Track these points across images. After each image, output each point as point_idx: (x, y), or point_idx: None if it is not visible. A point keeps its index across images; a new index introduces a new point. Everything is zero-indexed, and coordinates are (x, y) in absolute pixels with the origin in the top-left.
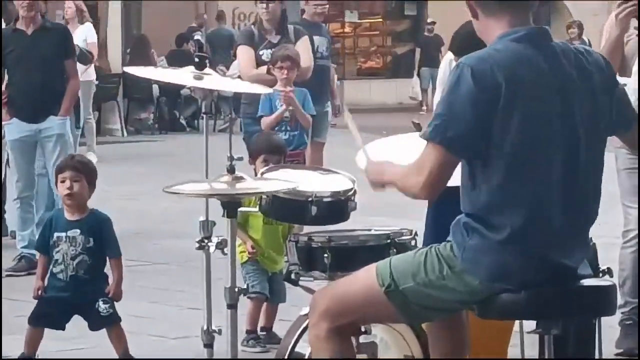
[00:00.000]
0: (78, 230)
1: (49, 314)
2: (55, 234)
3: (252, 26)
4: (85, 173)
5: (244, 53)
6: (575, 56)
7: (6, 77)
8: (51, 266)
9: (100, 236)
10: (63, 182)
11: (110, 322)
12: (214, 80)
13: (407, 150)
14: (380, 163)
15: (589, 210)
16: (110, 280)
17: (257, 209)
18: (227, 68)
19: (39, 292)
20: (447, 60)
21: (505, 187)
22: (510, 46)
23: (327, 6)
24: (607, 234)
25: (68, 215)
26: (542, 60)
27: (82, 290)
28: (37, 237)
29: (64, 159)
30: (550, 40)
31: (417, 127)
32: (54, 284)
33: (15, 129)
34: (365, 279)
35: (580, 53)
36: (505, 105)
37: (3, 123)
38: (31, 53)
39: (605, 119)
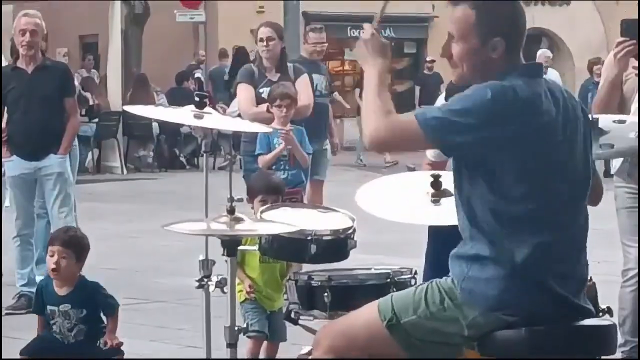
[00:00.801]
0: (69, 305)
1: (46, 349)
2: (49, 307)
3: (252, 64)
4: (75, 249)
5: (243, 91)
6: (567, 93)
7: (6, 114)
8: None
9: (93, 304)
10: (52, 255)
11: (114, 354)
12: (214, 119)
13: (405, 190)
14: (377, 46)
15: (584, 243)
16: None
17: (255, 247)
18: (228, 105)
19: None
20: (441, 102)
21: (510, 216)
22: (523, 80)
23: (326, 44)
24: (607, 272)
25: (57, 289)
26: (543, 93)
27: (82, 351)
28: (35, 276)
29: (57, 231)
30: (542, 75)
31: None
32: (54, 339)
33: (15, 166)
34: (367, 315)
35: (566, 92)
36: (517, 132)
37: (3, 160)
38: (31, 91)
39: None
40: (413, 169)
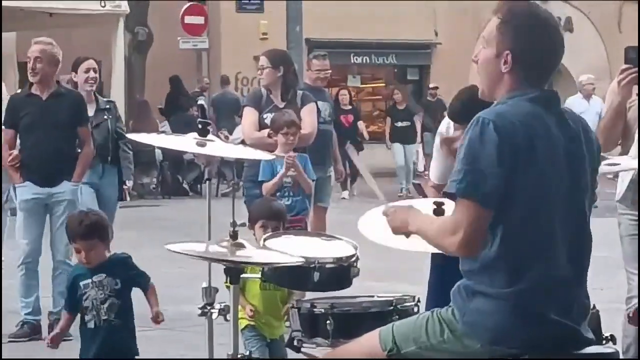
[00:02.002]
0: (104, 275)
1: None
2: (82, 284)
3: (262, 89)
4: (97, 235)
5: (247, 114)
6: (582, 124)
7: (18, 140)
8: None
9: (125, 276)
10: (79, 252)
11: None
12: (216, 147)
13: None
14: (405, 210)
15: (585, 274)
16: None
17: (257, 275)
18: (231, 133)
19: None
20: (445, 126)
21: (512, 246)
22: (522, 104)
23: (330, 71)
24: (610, 300)
25: (89, 265)
26: (553, 123)
27: (114, 337)
28: (40, 305)
29: (72, 225)
30: (559, 104)
31: (418, 189)
32: (85, 334)
33: (28, 190)
34: (369, 343)
35: (583, 122)
36: (524, 161)
37: (16, 185)
38: (45, 118)
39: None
40: (418, 185)
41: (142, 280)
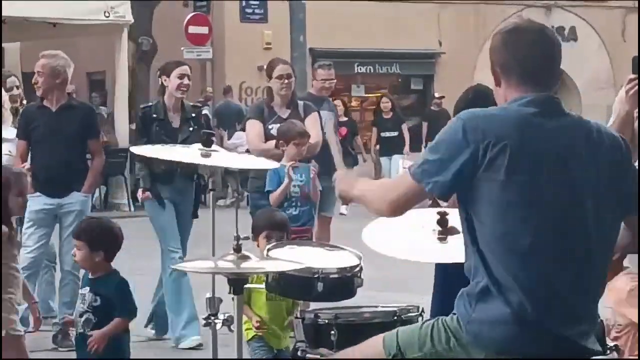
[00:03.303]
0: (87, 288)
1: None
2: (80, 291)
3: (264, 100)
4: (86, 239)
5: (252, 127)
6: (588, 130)
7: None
8: None
9: (107, 298)
10: (75, 247)
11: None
12: (221, 157)
13: (411, 227)
14: (354, 177)
15: (597, 284)
16: None
17: (262, 285)
18: (229, 138)
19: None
20: None
21: (512, 256)
22: (515, 108)
23: (335, 81)
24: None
25: (90, 274)
26: (547, 126)
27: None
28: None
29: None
30: (560, 109)
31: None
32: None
33: (38, 200)
34: (372, 349)
35: (598, 129)
36: (496, 165)
37: (28, 196)
38: (55, 130)
39: (618, 198)
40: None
41: (123, 310)
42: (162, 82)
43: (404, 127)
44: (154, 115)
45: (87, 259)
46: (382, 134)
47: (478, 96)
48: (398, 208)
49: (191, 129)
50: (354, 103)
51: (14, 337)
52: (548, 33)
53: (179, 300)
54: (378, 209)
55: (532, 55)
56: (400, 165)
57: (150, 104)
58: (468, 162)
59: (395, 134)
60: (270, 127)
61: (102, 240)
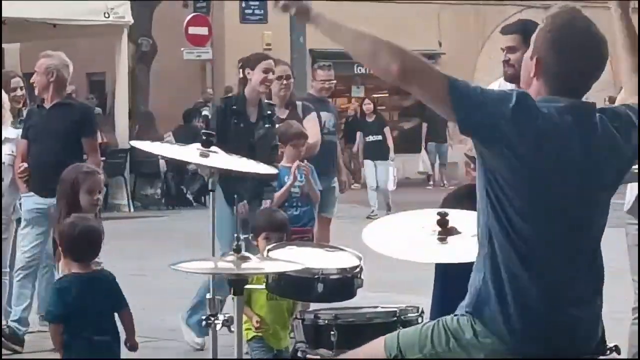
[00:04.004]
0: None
1: None
2: None
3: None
4: (60, 243)
5: None
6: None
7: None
8: None
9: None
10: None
11: None
12: (219, 158)
13: (412, 228)
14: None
15: (599, 277)
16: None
17: (262, 286)
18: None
19: None
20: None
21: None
22: (552, 110)
23: (334, 82)
24: (613, 310)
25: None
26: (578, 135)
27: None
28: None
29: None
30: (592, 116)
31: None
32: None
33: (32, 200)
34: (373, 350)
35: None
36: (528, 147)
37: (22, 195)
38: (46, 128)
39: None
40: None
41: (116, 302)
42: (244, 75)
43: (387, 131)
44: (234, 107)
45: (67, 262)
46: (367, 138)
47: None
48: (408, 73)
49: (267, 125)
50: (354, 104)
51: None
52: (598, 35)
53: None
54: (386, 62)
55: (587, 64)
56: (391, 173)
57: (230, 94)
58: (501, 125)
59: (379, 137)
60: None
61: (75, 247)
